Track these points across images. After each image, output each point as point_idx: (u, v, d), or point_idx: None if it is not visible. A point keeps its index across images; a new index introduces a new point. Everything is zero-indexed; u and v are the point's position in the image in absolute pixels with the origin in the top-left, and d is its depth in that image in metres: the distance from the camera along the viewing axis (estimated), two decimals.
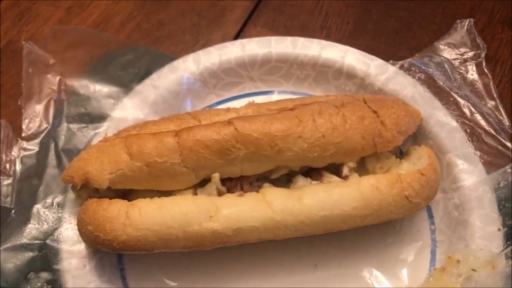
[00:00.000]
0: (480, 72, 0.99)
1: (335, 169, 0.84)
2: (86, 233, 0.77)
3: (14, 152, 0.90)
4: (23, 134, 0.93)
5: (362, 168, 0.84)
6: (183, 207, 0.74)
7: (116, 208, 0.75)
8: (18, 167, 0.89)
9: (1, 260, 0.81)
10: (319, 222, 0.76)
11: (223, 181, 0.81)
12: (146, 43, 1.19)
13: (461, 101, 0.94)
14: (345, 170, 0.80)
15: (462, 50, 1.03)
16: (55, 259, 0.83)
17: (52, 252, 0.84)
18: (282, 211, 0.75)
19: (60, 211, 0.88)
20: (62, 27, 1.12)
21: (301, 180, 0.80)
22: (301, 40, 1.05)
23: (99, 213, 0.75)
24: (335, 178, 0.80)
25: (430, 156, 0.83)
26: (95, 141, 0.93)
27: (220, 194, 0.79)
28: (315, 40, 1.05)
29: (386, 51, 1.18)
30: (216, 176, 0.79)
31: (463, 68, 1.00)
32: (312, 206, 0.75)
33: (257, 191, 0.80)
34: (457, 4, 1.25)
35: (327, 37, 1.21)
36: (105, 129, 0.94)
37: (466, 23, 1.05)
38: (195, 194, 0.80)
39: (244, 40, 1.05)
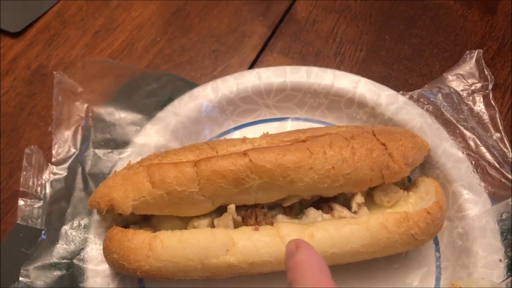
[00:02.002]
0: (487, 104, 1.03)
1: (345, 199, 0.88)
2: (111, 260, 0.83)
3: (45, 176, 0.97)
4: (53, 159, 1.00)
5: (370, 201, 0.89)
6: (202, 241, 0.80)
7: (140, 240, 0.81)
8: (48, 190, 0.96)
9: (32, 278, 0.88)
10: (328, 257, 0.81)
11: (238, 208, 0.86)
12: (168, 68, 1.25)
13: (467, 134, 0.98)
14: (354, 206, 0.85)
15: (470, 81, 1.06)
16: (81, 277, 0.89)
17: (79, 271, 0.90)
18: None
19: (86, 232, 0.94)
20: (91, 58, 1.19)
21: (312, 212, 0.85)
22: (314, 70, 1.09)
23: (124, 244, 0.81)
24: (345, 212, 0.85)
25: (437, 193, 0.87)
26: (119, 165, 0.99)
27: (235, 223, 0.85)
28: (329, 70, 1.09)
29: (398, 78, 1.23)
30: (232, 207, 0.84)
31: (470, 99, 1.04)
32: (323, 243, 0.80)
33: (271, 222, 0.85)
34: (468, 32, 1.29)
35: (341, 64, 1.26)
36: (128, 154, 1.00)
37: (475, 54, 1.09)
38: (212, 222, 0.86)
39: (261, 70, 1.10)
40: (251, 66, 1.27)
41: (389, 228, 0.81)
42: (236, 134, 1.10)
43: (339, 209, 0.85)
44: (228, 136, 1.10)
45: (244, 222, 0.85)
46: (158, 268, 0.80)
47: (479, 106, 1.02)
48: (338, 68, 1.25)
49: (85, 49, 1.29)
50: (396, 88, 1.13)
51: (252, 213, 0.86)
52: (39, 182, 0.96)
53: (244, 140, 0.92)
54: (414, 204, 0.88)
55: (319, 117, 1.10)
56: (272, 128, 1.10)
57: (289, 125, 1.10)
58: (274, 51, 1.29)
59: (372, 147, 0.87)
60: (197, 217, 0.87)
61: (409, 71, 1.24)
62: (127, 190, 0.85)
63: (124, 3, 1.37)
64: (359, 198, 0.86)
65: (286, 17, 1.34)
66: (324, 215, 0.85)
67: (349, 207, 0.87)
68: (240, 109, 1.10)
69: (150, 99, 1.07)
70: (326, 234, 0.81)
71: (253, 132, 1.10)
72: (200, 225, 0.85)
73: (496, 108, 1.01)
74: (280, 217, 0.86)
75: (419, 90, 1.07)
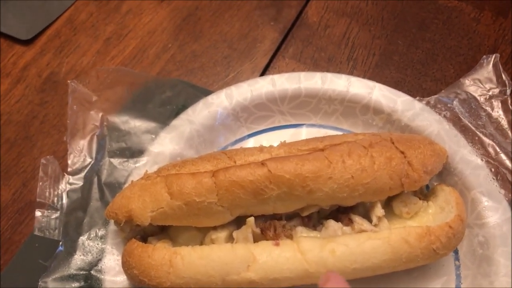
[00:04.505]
0: (505, 109, 1.02)
1: (364, 208, 0.88)
2: (131, 275, 0.83)
3: (61, 186, 0.96)
4: (69, 169, 0.99)
5: (389, 212, 0.88)
6: (222, 258, 0.80)
7: (160, 256, 0.80)
8: (65, 201, 0.96)
9: None
10: (350, 273, 0.80)
11: (257, 219, 0.86)
12: (179, 75, 1.25)
13: (486, 140, 0.97)
14: (374, 220, 0.84)
15: (488, 86, 1.05)
16: None
17: (97, 282, 0.90)
18: (315, 263, 0.79)
19: (103, 242, 0.93)
20: (105, 67, 1.19)
21: (332, 225, 0.84)
22: (329, 76, 1.08)
23: (144, 260, 0.81)
24: (365, 225, 0.84)
25: (457, 204, 0.86)
26: (135, 174, 0.98)
27: (254, 236, 0.84)
28: (343, 76, 1.08)
29: (412, 83, 1.22)
30: (251, 220, 0.84)
31: (488, 105, 1.03)
32: (344, 259, 0.80)
33: (290, 234, 0.84)
34: (481, 36, 1.28)
35: (354, 69, 1.25)
36: (144, 163, 0.99)
37: (492, 59, 1.08)
38: (231, 234, 0.85)
39: (275, 76, 1.09)
40: (263, 72, 1.26)
41: (411, 243, 0.81)
42: (251, 141, 1.10)
43: (359, 221, 0.84)
44: (243, 143, 1.09)
45: (263, 234, 0.85)
46: (179, 284, 0.79)
47: (497, 112, 1.01)
48: (351, 73, 1.24)
49: (96, 56, 1.29)
50: (410, 93, 1.12)
51: (271, 225, 0.85)
52: (56, 193, 0.96)
53: (261, 149, 0.91)
54: (434, 215, 0.87)
55: (334, 124, 1.09)
56: (287, 134, 1.09)
57: (304, 132, 1.10)
58: (286, 57, 1.28)
59: (391, 156, 0.86)
60: (215, 229, 0.86)
61: (423, 75, 1.23)
62: (145, 201, 0.85)
63: (135, 9, 1.37)
64: (379, 211, 0.85)
65: (297, 21, 1.33)
66: (344, 227, 0.84)
67: (368, 217, 0.86)
68: (254, 116, 1.09)
69: (165, 107, 1.07)
70: (347, 250, 0.80)
71: (268, 139, 1.09)
72: (218, 238, 0.85)
73: None
74: (300, 229, 0.85)
75: (436, 96, 1.06)
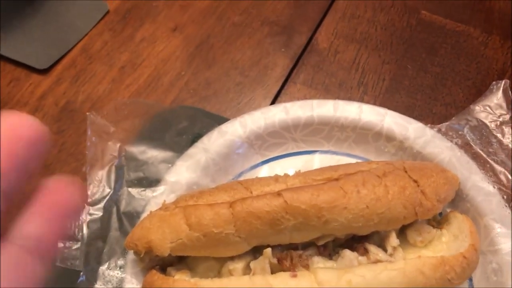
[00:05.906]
0: None
1: (379, 237, 0.89)
2: None
3: (82, 217, 0.98)
4: (89, 200, 1.01)
5: (403, 240, 0.89)
6: None
7: None
8: (85, 231, 0.98)
9: None
10: None
11: (273, 248, 0.87)
12: (193, 102, 1.27)
13: (498, 168, 0.99)
14: (389, 249, 0.86)
15: (498, 112, 1.07)
16: None
17: None
18: None
19: (123, 271, 0.95)
20: (123, 100, 1.22)
21: (348, 255, 0.85)
22: (341, 103, 1.11)
23: None
24: (381, 254, 0.85)
25: (471, 233, 0.87)
26: (152, 203, 1.00)
27: (271, 266, 0.85)
28: (355, 103, 1.11)
29: (422, 108, 1.24)
30: (268, 251, 0.85)
31: (499, 131, 1.04)
32: None
33: (306, 264, 0.86)
34: (490, 60, 1.30)
35: (364, 94, 1.27)
36: (161, 192, 1.01)
37: (502, 85, 1.10)
38: (248, 265, 0.86)
39: (288, 104, 1.11)
40: (275, 98, 1.29)
41: (426, 273, 0.82)
42: (265, 168, 1.12)
43: (374, 251, 0.86)
44: (257, 170, 1.11)
45: (280, 264, 0.86)
46: None
47: (508, 138, 1.02)
48: (362, 98, 1.26)
49: (112, 85, 1.31)
50: (421, 117, 1.14)
51: (287, 255, 0.87)
52: (77, 224, 0.98)
53: (277, 179, 0.93)
54: (448, 243, 0.88)
55: (347, 150, 1.11)
56: (300, 161, 1.11)
57: (317, 158, 1.11)
58: (297, 83, 1.30)
59: (405, 185, 0.88)
60: (232, 260, 0.88)
61: (433, 100, 1.25)
62: (165, 232, 0.87)
63: (148, 38, 1.40)
64: (394, 241, 0.86)
65: (308, 48, 1.36)
66: (360, 257, 0.85)
67: (383, 246, 0.88)
68: (268, 143, 1.11)
69: (181, 137, 1.09)
70: (363, 281, 0.81)
71: (282, 165, 1.11)
72: (235, 269, 0.86)
73: None
74: (316, 259, 0.87)
75: (447, 123, 1.08)
